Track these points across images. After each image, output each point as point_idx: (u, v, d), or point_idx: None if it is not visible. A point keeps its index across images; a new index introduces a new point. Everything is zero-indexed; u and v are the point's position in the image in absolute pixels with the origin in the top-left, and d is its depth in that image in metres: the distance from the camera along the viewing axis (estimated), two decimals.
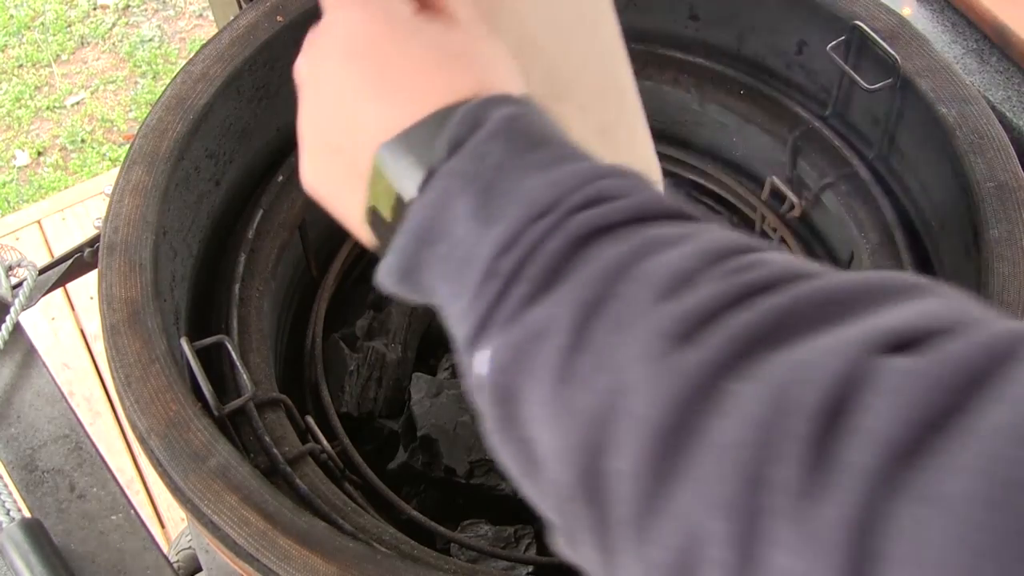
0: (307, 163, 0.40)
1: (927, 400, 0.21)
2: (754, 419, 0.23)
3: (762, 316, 0.25)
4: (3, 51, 2.24)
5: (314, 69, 0.38)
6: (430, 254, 0.33)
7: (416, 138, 0.34)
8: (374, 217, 0.36)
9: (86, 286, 1.66)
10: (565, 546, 0.29)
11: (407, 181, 0.34)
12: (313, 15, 0.35)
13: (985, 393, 0.21)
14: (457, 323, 0.32)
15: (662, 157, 0.96)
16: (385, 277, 0.35)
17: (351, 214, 0.38)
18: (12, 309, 0.70)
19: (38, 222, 1.85)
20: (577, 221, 0.29)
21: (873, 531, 0.21)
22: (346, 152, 0.37)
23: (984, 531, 0.19)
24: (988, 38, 0.89)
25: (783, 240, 0.86)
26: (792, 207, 0.84)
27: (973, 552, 0.19)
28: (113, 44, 2.24)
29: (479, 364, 0.30)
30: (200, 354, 0.62)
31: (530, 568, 0.68)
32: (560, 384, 0.27)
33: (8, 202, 1.97)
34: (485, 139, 0.32)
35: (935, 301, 0.25)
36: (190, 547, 1.25)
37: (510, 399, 0.29)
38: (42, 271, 0.75)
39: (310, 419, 0.68)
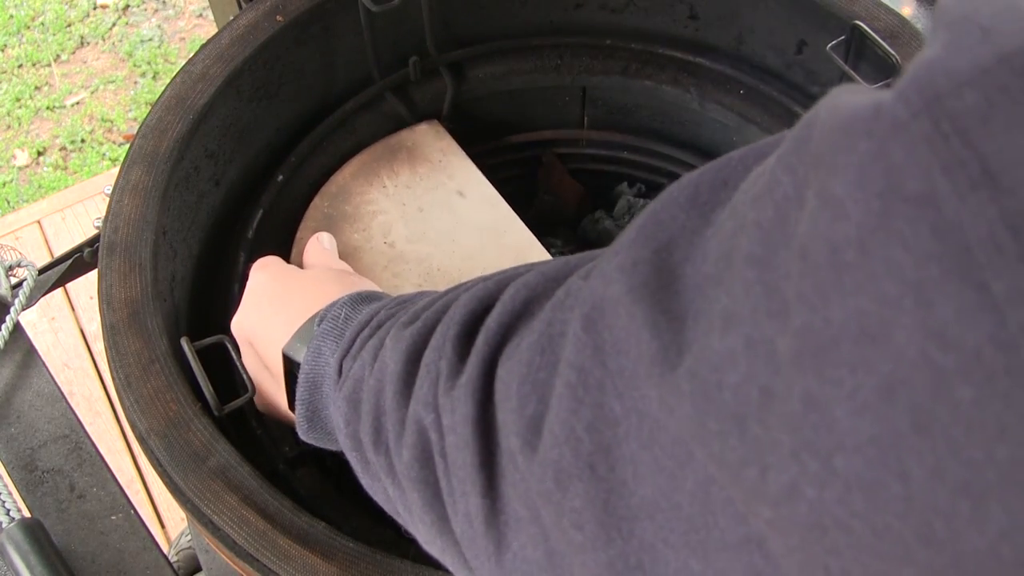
0: (257, 395, 0.59)
1: (515, 304, 0.34)
2: (436, 341, 0.37)
3: (449, 298, 0.39)
4: (3, 51, 2.24)
5: (242, 318, 0.59)
6: (319, 395, 0.48)
7: (303, 329, 0.51)
8: (291, 401, 0.52)
9: (86, 286, 1.66)
10: (405, 517, 0.41)
11: (299, 355, 0.50)
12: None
13: (539, 297, 0.34)
14: (337, 432, 0.45)
15: (663, 157, 0.96)
16: (300, 431, 0.51)
17: (283, 408, 0.55)
18: (12, 309, 0.70)
19: (38, 222, 1.85)
20: (380, 317, 0.45)
21: (488, 386, 0.33)
22: (271, 364, 0.55)
23: (531, 365, 0.31)
24: None
25: None
26: None
27: (524, 379, 0.31)
28: (113, 44, 2.24)
29: (339, 431, 0.44)
30: (200, 354, 0.62)
31: None
32: (364, 386, 0.42)
33: (8, 202, 1.97)
34: (338, 308, 0.50)
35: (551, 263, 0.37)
36: (190, 547, 1.25)
37: (358, 443, 0.42)
38: (42, 271, 0.75)
39: None
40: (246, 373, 0.63)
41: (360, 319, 0.47)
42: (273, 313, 0.57)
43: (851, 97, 0.21)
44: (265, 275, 0.60)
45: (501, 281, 0.37)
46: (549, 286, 0.34)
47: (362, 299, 0.51)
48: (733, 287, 0.23)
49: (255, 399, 0.61)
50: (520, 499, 0.31)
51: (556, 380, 0.29)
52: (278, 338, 0.53)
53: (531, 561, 0.31)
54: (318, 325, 0.50)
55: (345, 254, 0.76)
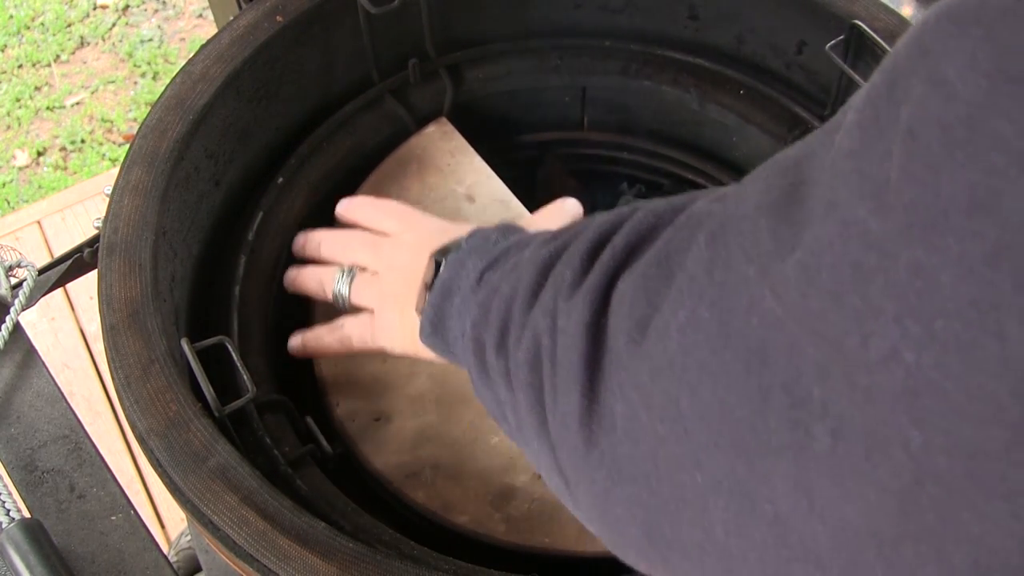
0: (372, 323, 0.64)
1: (641, 227, 0.37)
2: (567, 256, 0.40)
3: (587, 221, 0.42)
4: (3, 51, 2.24)
5: (393, 246, 0.65)
6: (448, 304, 0.51)
7: (453, 242, 0.54)
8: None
9: (86, 286, 1.66)
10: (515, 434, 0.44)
11: (443, 256, 0.53)
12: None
13: (664, 223, 0.36)
14: (458, 340, 0.50)
15: (662, 157, 0.96)
16: (422, 334, 0.54)
17: (402, 319, 0.60)
18: (12, 309, 0.70)
19: (38, 222, 1.85)
20: (526, 241, 0.49)
21: (606, 296, 0.36)
22: (413, 275, 0.58)
23: (647, 276, 0.34)
24: None
25: None
26: None
27: (638, 287, 0.34)
28: (113, 44, 2.24)
29: (463, 335, 0.48)
30: (200, 355, 0.62)
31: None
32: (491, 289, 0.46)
33: (8, 202, 1.97)
34: (489, 230, 0.54)
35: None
36: (190, 547, 1.26)
37: (480, 346, 0.45)
38: (42, 271, 0.75)
39: (310, 420, 0.69)
40: (247, 373, 0.63)
41: (508, 243, 0.51)
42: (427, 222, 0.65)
43: None
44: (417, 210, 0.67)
45: (634, 207, 0.40)
46: (674, 215, 0.37)
47: (513, 229, 0.54)
48: (834, 181, 0.25)
49: (357, 332, 0.65)
50: (618, 399, 0.34)
51: (671, 286, 0.32)
52: (426, 253, 0.57)
53: (618, 458, 0.34)
54: (466, 241, 0.53)
55: None
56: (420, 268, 0.57)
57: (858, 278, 0.23)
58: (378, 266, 0.65)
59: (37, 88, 2.16)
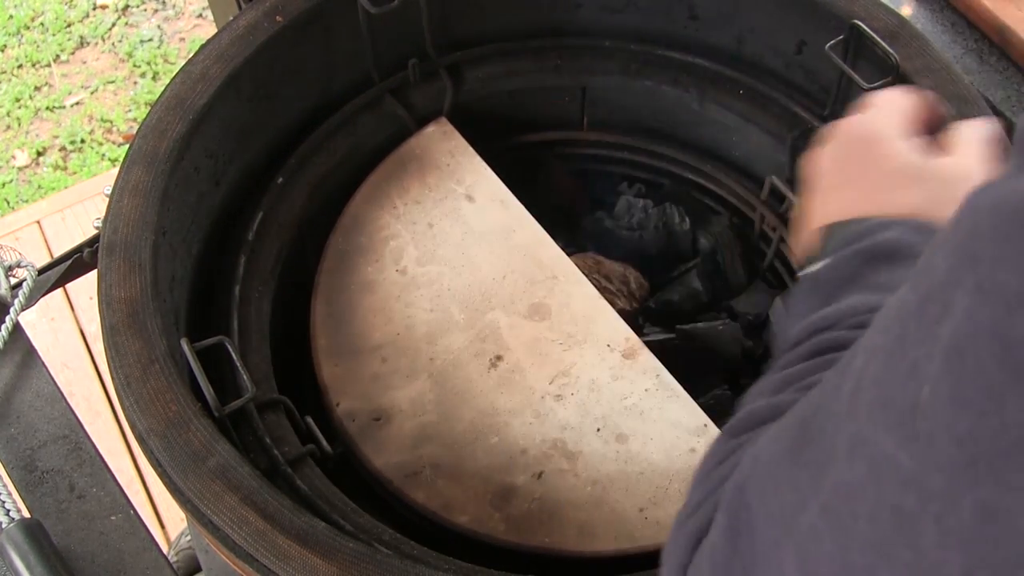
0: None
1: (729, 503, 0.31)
2: (701, 490, 0.34)
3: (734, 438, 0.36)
4: (3, 51, 2.24)
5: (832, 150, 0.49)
6: (780, 325, 0.43)
7: (837, 232, 0.43)
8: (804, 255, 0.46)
9: (86, 286, 1.65)
10: None
11: (811, 260, 0.43)
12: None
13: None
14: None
15: (662, 157, 0.96)
16: (774, 321, 0.46)
17: (801, 238, 0.48)
18: (12, 309, 0.70)
19: (38, 222, 1.85)
20: (832, 337, 0.38)
21: (691, 552, 0.32)
22: (815, 209, 0.46)
23: (721, 552, 0.30)
24: (988, 38, 0.89)
25: (783, 239, 0.86)
26: (792, 207, 0.84)
27: (714, 561, 0.30)
28: (113, 44, 2.24)
29: None
30: (200, 355, 0.62)
31: None
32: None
33: (8, 202, 1.97)
34: (849, 257, 0.41)
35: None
36: (190, 547, 1.25)
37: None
38: (42, 271, 0.75)
39: (310, 420, 0.69)
40: (247, 373, 0.63)
41: (841, 306, 0.39)
42: (843, 178, 0.47)
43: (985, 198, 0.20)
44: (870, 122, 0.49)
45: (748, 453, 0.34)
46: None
47: (880, 255, 0.41)
48: (858, 412, 0.22)
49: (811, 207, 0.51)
50: None
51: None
52: (829, 208, 0.46)
53: None
54: (832, 251, 0.42)
55: (360, 290, 0.77)
56: (831, 202, 0.46)
57: (902, 526, 0.20)
58: (823, 151, 0.50)
59: (37, 88, 2.16)
